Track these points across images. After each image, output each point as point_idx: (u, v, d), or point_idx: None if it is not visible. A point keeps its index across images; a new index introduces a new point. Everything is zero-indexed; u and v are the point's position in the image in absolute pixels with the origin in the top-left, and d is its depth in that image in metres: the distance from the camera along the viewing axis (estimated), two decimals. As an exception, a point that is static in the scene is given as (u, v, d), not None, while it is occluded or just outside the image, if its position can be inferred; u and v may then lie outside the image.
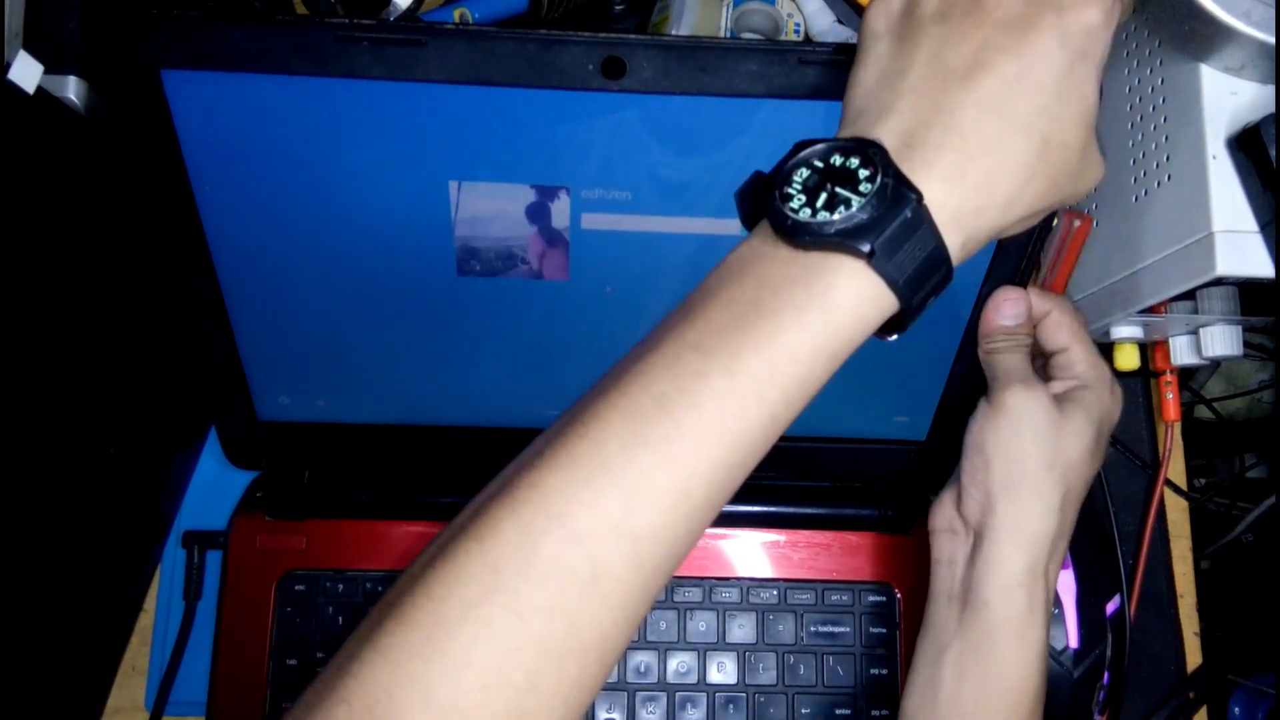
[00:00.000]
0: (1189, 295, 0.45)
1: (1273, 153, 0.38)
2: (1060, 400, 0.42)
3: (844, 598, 0.52)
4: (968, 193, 0.29)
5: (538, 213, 0.41)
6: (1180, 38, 0.41)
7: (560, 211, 0.41)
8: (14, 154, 0.38)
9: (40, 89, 0.39)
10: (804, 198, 0.29)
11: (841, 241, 0.29)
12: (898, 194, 0.28)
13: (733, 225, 0.42)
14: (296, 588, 0.51)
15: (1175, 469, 0.57)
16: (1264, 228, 0.40)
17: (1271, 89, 0.41)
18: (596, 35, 0.37)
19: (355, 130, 0.39)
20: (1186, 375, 0.71)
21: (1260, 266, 0.40)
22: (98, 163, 0.43)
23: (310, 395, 0.49)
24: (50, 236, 0.41)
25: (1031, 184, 0.30)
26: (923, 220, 0.29)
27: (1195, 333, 0.49)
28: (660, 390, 0.29)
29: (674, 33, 0.52)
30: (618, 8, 0.56)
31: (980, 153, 0.29)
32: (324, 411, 0.50)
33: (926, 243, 0.29)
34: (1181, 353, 0.51)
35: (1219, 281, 0.41)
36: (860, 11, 0.57)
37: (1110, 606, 0.52)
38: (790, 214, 0.29)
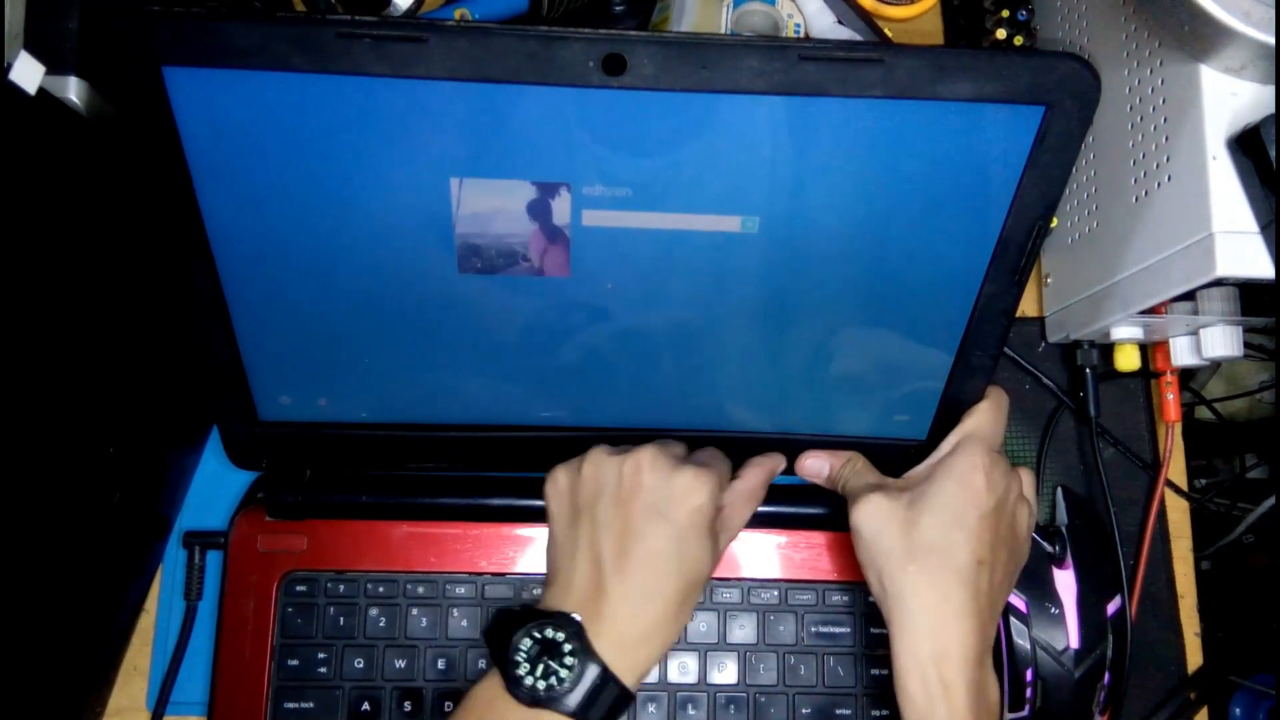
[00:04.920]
0: (1189, 296, 0.46)
1: (1273, 153, 0.38)
2: (913, 492, 0.44)
3: (845, 598, 0.52)
4: (638, 648, 0.41)
5: (539, 209, 0.41)
6: (1180, 38, 0.41)
7: (561, 208, 0.41)
8: (15, 155, 0.38)
9: (41, 90, 0.39)
10: (528, 665, 0.40)
11: (556, 703, 0.40)
12: (587, 661, 0.40)
13: (733, 222, 0.43)
14: (297, 588, 0.51)
15: (1176, 469, 0.57)
16: (1264, 228, 0.40)
17: (1271, 89, 0.41)
18: (598, 32, 0.37)
19: (356, 127, 0.39)
20: (1187, 376, 0.72)
21: (1260, 267, 0.40)
22: (98, 163, 0.43)
23: (311, 395, 0.49)
24: (52, 238, 0.41)
25: (677, 619, 0.43)
26: (608, 680, 0.40)
27: (1195, 333, 0.49)
28: None
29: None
30: (618, 8, 0.56)
31: (634, 616, 0.41)
32: (325, 411, 0.50)
33: (612, 692, 0.40)
34: (1182, 353, 0.51)
35: (1219, 282, 0.41)
36: (861, 13, 0.58)
37: (1111, 607, 0.52)
38: (519, 679, 0.40)
